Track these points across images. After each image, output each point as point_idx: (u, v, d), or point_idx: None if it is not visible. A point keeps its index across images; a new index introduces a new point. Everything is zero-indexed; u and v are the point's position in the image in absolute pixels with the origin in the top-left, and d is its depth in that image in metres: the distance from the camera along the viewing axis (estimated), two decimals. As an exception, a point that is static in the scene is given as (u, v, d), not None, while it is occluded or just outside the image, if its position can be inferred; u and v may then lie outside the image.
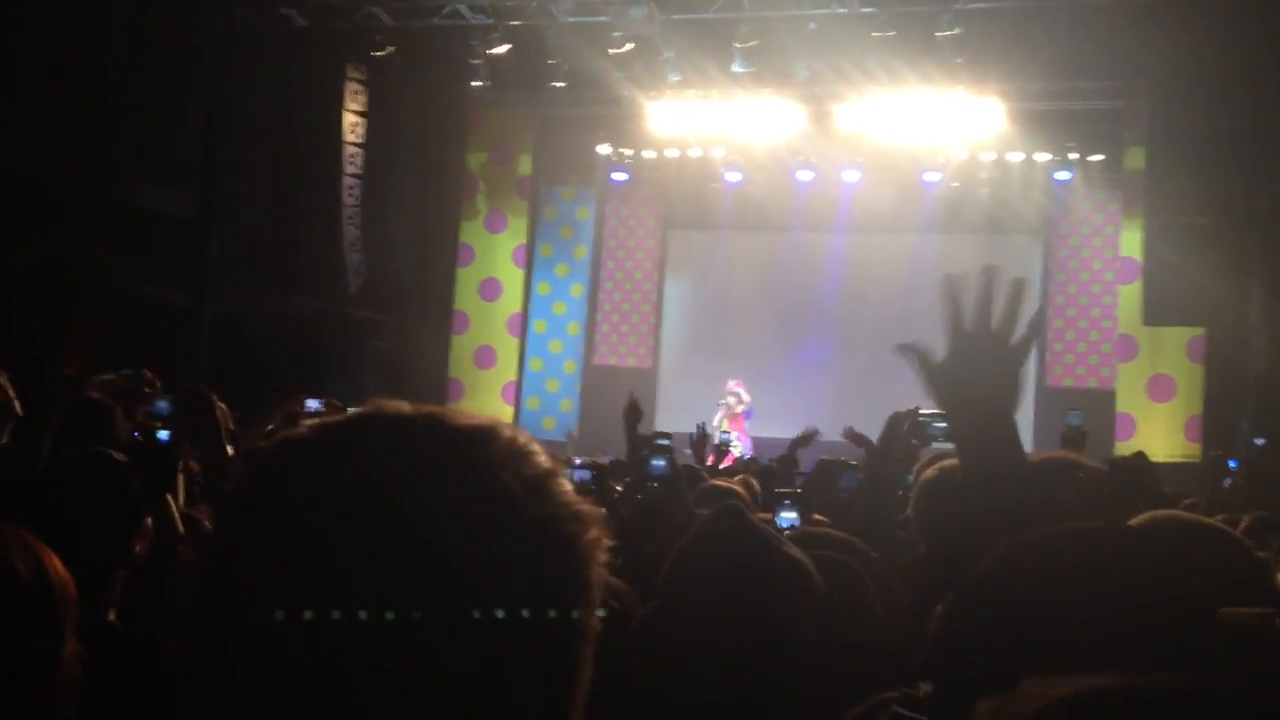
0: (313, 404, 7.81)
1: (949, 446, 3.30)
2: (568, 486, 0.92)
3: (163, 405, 4.26)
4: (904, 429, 3.26)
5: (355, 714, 0.80)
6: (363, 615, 0.79)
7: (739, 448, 14.15)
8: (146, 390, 4.30)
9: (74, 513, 2.25)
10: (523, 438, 0.92)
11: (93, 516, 2.27)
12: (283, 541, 0.83)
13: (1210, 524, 1.90)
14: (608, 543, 0.92)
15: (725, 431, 10.90)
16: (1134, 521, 1.83)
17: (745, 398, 16.16)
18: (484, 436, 0.90)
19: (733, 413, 16.02)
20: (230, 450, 3.79)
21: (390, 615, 0.80)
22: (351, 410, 0.94)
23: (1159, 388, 15.23)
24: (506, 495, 0.86)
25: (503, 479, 0.87)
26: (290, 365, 14.54)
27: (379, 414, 0.91)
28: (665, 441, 4.79)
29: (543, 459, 0.92)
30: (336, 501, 0.83)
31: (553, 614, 0.86)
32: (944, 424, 3.20)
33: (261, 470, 0.90)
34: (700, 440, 6.61)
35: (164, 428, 4.16)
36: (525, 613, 0.84)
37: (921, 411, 3.24)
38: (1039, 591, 1.31)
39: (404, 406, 0.91)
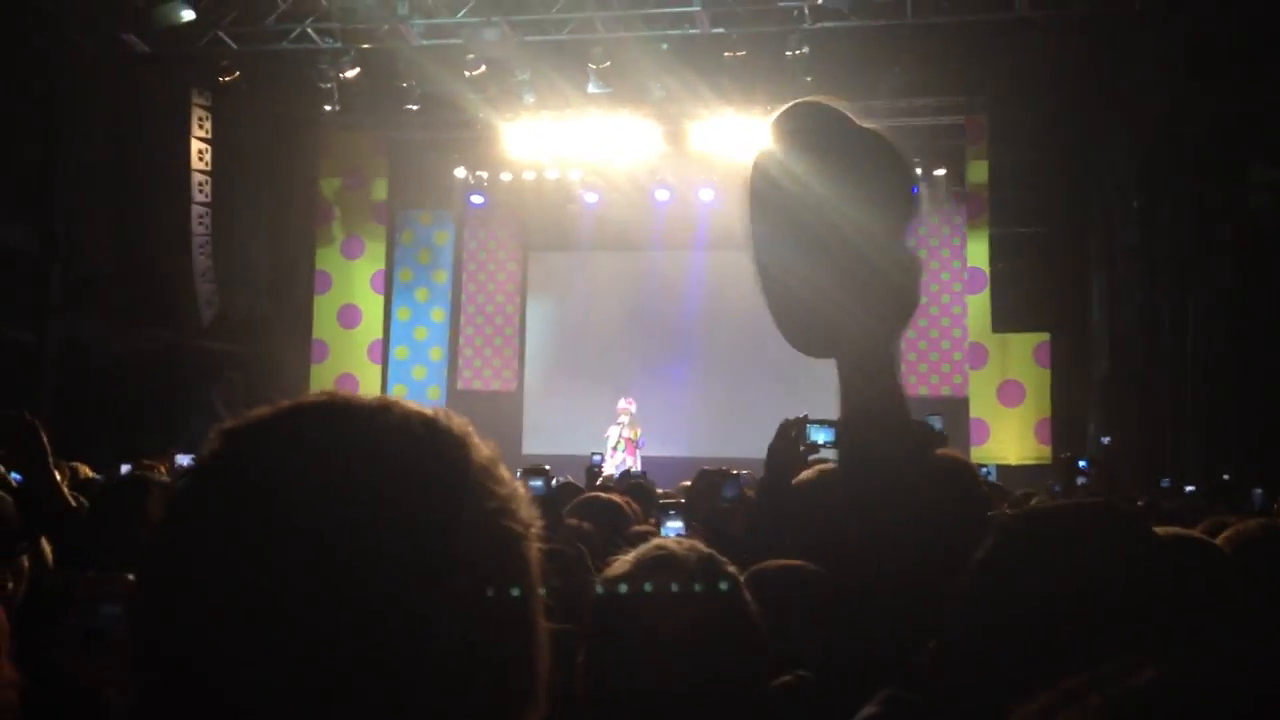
0: (183, 459, 7.53)
1: (834, 453, 3.38)
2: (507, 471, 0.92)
3: None
4: (793, 435, 3.31)
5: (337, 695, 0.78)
6: (347, 598, 0.78)
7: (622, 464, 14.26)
8: None
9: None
10: (467, 423, 0.92)
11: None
12: (263, 535, 0.79)
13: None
14: (541, 524, 0.93)
15: (597, 454, 10.90)
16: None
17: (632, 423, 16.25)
18: (446, 423, 0.89)
19: (629, 433, 16.09)
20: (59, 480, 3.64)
21: (368, 592, 0.78)
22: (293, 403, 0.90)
23: (1009, 393, 15.77)
24: (477, 479, 0.86)
25: (476, 463, 0.87)
26: (141, 400, 14.07)
27: (341, 400, 0.89)
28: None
29: (486, 444, 0.91)
30: (318, 485, 0.80)
31: (516, 592, 0.86)
32: (831, 432, 3.27)
33: (229, 461, 0.85)
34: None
35: None
36: (500, 592, 0.84)
37: (810, 419, 3.30)
38: (1048, 580, 1.29)
39: (358, 395, 0.90)
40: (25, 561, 2.53)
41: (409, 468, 0.83)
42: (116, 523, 2.95)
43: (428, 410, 0.90)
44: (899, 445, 1.49)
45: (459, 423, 0.90)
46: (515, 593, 0.86)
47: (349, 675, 0.77)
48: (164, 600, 0.82)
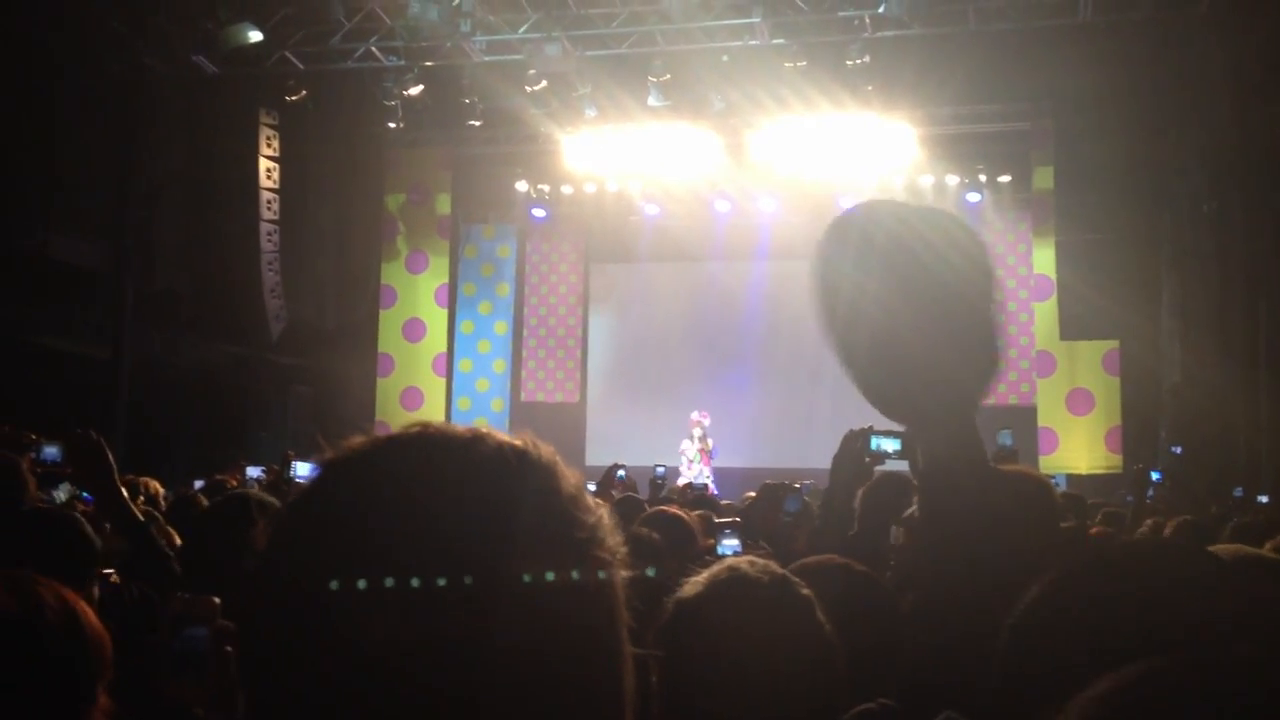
0: (253, 471, 7.67)
1: (902, 465, 3.36)
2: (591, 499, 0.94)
3: (51, 451, 4.15)
4: (857, 447, 3.30)
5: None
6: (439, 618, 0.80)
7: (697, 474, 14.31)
8: (33, 437, 4.17)
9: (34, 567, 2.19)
10: (554, 452, 0.94)
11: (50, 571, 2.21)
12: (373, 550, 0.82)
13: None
14: (625, 551, 0.95)
15: (660, 466, 10.89)
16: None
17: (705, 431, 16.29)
18: (536, 453, 0.91)
19: (703, 445, 16.12)
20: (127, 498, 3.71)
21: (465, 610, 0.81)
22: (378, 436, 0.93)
23: (1078, 401, 15.55)
24: (566, 509, 0.89)
25: (566, 493, 0.89)
26: (213, 414, 14.31)
27: (436, 431, 0.91)
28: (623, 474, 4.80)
29: (571, 473, 0.94)
30: (415, 517, 0.83)
31: (604, 618, 0.89)
32: (897, 442, 3.25)
33: (341, 483, 0.88)
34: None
35: (53, 473, 4.07)
36: (589, 618, 0.86)
37: (875, 430, 3.27)
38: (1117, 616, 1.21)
39: (452, 425, 0.92)
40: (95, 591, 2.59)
41: (502, 499, 0.85)
42: (219, 543, 2.96)
43: (518, 441, 0.92)
44: (983, 497, 1.43)
45: (547, 452, 0.92)
46: (603, 618, 0.88)
47: (443, 704, 0.80)
48: (264, 624, 0.86)
